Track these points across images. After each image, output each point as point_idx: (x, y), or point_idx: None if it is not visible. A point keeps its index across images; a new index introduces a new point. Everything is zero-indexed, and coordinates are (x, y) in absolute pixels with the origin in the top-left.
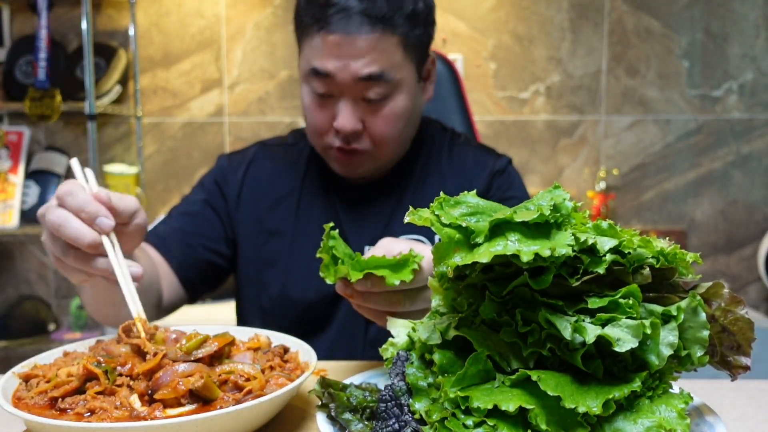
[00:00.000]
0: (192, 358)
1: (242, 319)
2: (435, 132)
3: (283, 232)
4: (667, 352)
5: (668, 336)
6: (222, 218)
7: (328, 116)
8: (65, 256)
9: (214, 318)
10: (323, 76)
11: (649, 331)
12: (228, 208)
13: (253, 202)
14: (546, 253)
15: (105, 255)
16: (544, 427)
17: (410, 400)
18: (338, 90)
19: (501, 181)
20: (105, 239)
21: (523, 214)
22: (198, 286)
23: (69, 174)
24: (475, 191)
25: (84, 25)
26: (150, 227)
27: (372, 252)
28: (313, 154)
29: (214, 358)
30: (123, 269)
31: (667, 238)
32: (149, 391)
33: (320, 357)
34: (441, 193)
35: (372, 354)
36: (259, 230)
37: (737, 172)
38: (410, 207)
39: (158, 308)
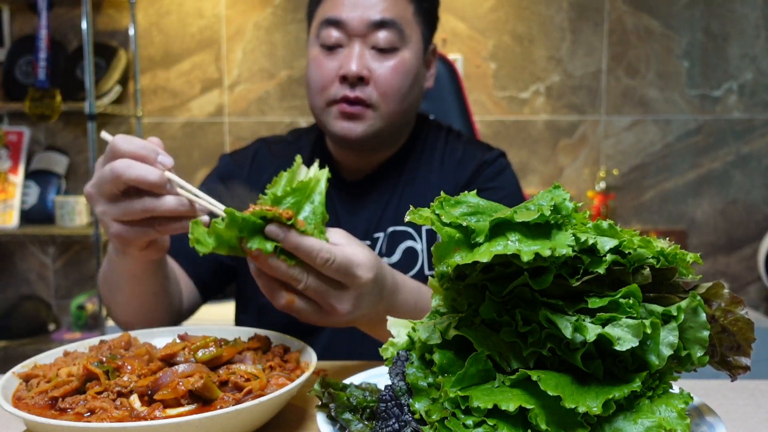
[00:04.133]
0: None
1: (241, 316)
2: (430, 130)
3: None
4: (667, 352)
5: (668, 336)
6: None
7: (335, 67)
8: (132, 208)
9: (212, 318)
10: (335, 25)
11: (649, 331)
12: (235, 207)
13: (256, 198)
14: (546, 253)
15: (170, 193)
16: (544, 427)
17: (410, 400)
18: (349, 38)
19: (488, 172)
20: (169, 175)
21: (524, 214)
22: (212, 287)
23: (69, 174)
24: (475, 191)
25: (84, 25)
26: None
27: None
28: (313, 152)
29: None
30: (198, 194)
31: (667, 238)
32: (149, 391)
33: (318, 354)
34: (428, 187)
35: (370, 351)
36: None
37: (737, 172)
38: (399, 202)
39: (180, 313)
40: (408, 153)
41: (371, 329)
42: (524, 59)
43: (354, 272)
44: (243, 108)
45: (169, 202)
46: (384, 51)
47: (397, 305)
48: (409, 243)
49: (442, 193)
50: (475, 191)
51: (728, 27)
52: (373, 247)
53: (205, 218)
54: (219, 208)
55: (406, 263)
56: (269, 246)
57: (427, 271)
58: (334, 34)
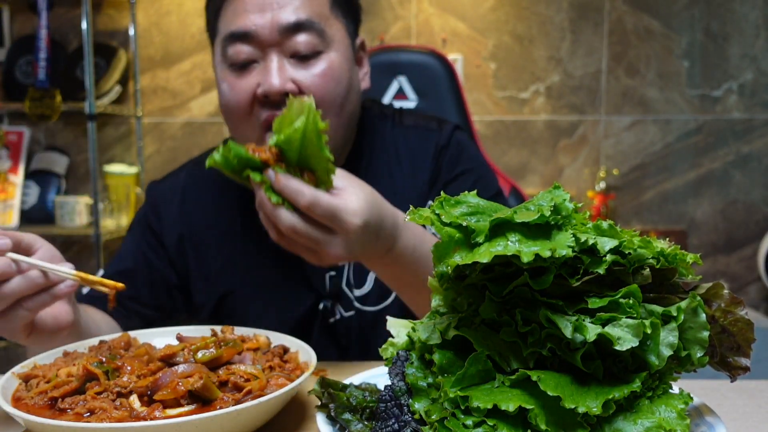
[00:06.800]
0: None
1: None
2: (375, 121)
3: (235, 268)
4: (667, 352)
5: (668, 336)
6: (162, 270)
7: (251, 87)
8: None
9: None
10: (243, 38)
11: (649, 331)
12: (168, 256)
13: (196, 242)
14: (546, 253)
15: (12, 276)
16: (543, 427)
17: (410, 400)
18: (262, 51)
19: (448, 158)
20: (13, 256)
21: (524, 214)
22: (165, 307)
23: (69, 174)
24: (475, 193)
25: (84, 25)
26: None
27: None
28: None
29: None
30: (47, 265)
31: (667, 239)
32: (149, 392)
33: None
34: (390, 183)
35: (355, 355)
36: (208, 271)
37: (737, 172)
38: None
39: None
40: (359, 154)
41: (372, 266)
42: (524, 59)
43: (341, 218)
44: None
45: (17, 284)
46: (306, 57)
47: (396, 248)
48: None
49: (442, 193)
50: (475, 193)
51: (728, 27)
52: None
53: (66, 284)
54: (70, 274)
55: None
56: (258, 178)
57: None
58: (243, 50)
